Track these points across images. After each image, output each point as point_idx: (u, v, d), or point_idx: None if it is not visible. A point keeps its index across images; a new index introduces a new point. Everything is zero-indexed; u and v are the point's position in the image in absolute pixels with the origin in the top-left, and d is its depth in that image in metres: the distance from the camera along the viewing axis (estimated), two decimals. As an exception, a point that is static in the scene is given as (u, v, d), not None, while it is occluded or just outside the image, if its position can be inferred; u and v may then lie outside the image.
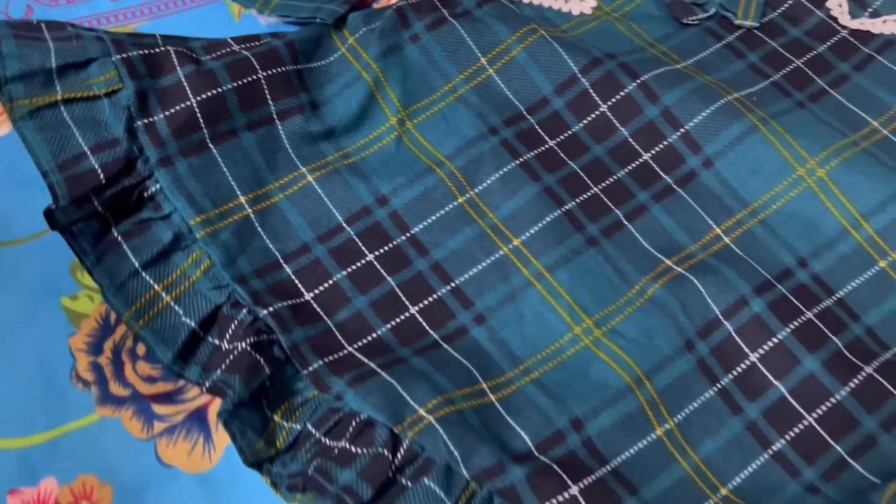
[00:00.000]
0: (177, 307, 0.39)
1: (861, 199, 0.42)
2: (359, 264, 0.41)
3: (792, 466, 0.36)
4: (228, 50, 0.44)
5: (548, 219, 0.42)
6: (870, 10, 0.49)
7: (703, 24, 0.49)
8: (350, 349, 0.38)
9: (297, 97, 0.45)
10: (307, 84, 0.45)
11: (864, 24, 0.48)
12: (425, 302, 0.40)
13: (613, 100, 0.45)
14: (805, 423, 0.37)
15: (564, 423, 0.37)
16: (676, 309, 0.40)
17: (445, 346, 0.39)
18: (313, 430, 0.36)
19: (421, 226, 0.42)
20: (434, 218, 0.43)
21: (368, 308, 0.40)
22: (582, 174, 0.44)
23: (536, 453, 0.36)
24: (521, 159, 0.44)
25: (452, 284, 0.41)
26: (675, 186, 0.44)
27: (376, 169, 0.44)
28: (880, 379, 0.37)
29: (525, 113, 0.46)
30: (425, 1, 0.48)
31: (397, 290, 0.41)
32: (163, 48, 0.43)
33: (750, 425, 0.37)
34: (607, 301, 0.40)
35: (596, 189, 0.43)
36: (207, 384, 0.36)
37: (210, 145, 0.42)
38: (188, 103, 0.42)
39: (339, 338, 0.39)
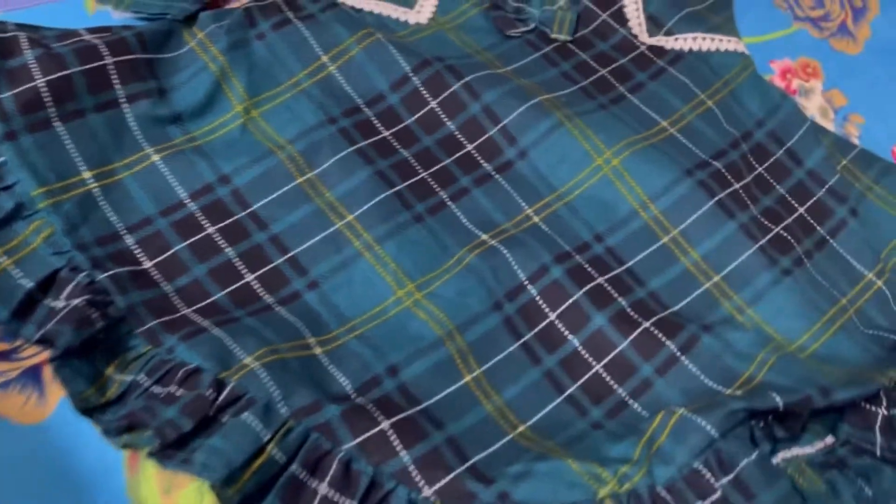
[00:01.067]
0: (16, 270, 0.40)
1: (649, 184, 0.49)
2: (199, 236, 0.44)
3: (581, 407, 0.42)
4: (79, 38, 0.47)
5: (379, 197, 0.46)
6: (664, 29, 0.57)
7: (524, 36, 0.56)
8: (185, 312, 0.41)
9: (146, 83, 0.48)
10: (156, 72, 0.49)
11: (660, 40, 0.56)
12: (262, 270, 0.44)
13: (441, 97, 0.51)
14: (594, 370, 0.43)
15: (381, 370, 0.41)
16: (488, 274, 0.45)
17: (278, 308, 0.43)
18: (143, 381, 0.38)
19: (261, 202, 0.46)
20: (274, 196, 0.46)
21: (206, 276, 0.43)
22: (412, 161, 0.49)
23: (354, 396, 0.39)
24: (357, 146, 0.48)
25: (289, 255, 0.45)
26: (493, 173, 0.49)
27: (220, 151, 0.47)
28: (656, 331, 0.44)
29: (363, 106, 0.51)
30: (272, 4, 0.52)
31: (236, 259, 0.44)
32: (13, 33, 0.45)
33: (547, 373, 0.43)
34: (429, 269, 0.45)
35: (424, 174, 0.48)
36: (38, 335, 0.38)
37: (56, 123, 0.44)
38: (35, 83, 0.44)
39: (176, 301, 0.42)
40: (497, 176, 0.49)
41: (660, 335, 0.43)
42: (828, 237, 0.50)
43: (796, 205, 0.51)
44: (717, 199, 0.48)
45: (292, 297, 0.43)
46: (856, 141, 0.57)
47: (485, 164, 0.49)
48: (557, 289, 0.44)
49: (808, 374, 0.42)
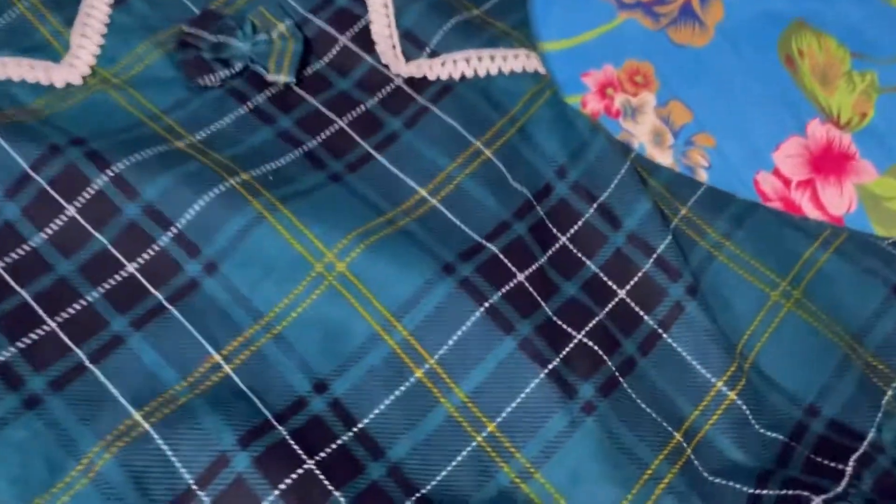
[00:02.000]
0: None
1: (390, 294, 0.34)
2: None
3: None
4: None
5: None
6: (428, 49, 0.41)
7: (228, 84, 0.40)
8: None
9: None
10: None
11: (421, 66, 0.40)
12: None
13: (80, 200, 0.35)
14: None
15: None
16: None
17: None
18: None
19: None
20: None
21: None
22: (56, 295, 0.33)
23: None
24: None
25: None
26: (169, 306, 0.34)
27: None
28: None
29: None
30: None
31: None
32: None
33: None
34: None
35: (55, 324, 0.33)
36: None
37: None
38: None
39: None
40: (172, 309, 0.34)
41: None
42: (659, 330, 0.36)
43: (614, 287, 0.37)
44: (487, 304, 0.34)
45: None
46: (702, 176, 0.42)
47: (154, 292, 0.34)
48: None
49: None
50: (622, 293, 0.36)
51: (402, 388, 0.33)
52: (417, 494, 0.31)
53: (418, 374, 0.33)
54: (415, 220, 0.36)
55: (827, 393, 0.35)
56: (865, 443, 0.34)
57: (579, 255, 0.37)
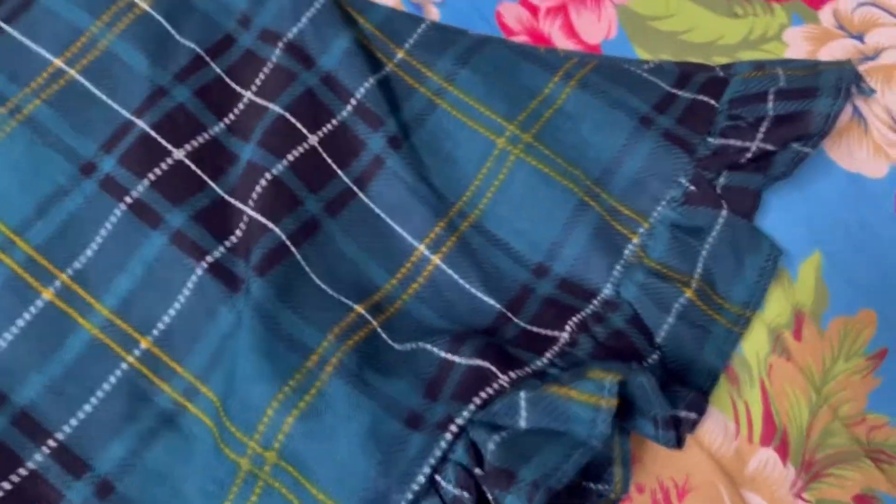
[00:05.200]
0: None
1: (9, 210, 0.28)
2: None
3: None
4: None
5: None
6: None
7: None
8: None
9: None
10: None
11: None
12: None
13: None
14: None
15: None
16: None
17: None
18: None
19: None
20: None
21: None
22: None
23: None
24: None
25: None
26: None
27: None
28: None
29: None
30: None
31: None
32: None
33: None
34: None
35: None
36: None
37: None
38: None
39: None
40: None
41: None
42: (354, 188, 0.30)
43: (304, 130, 0.30)
44: (129, 198, 0.28)
45: None
46: (433, 12, 0.35)
47: None
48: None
49: None
50: (313, 140, 0.30)
51: (27, 317, 0.27)
52: (51, 442, 0.25)
53: (47, 295, 0.27)
54: (45, 102, 0.29)
55: (558, 248, 0.30)
56: (596, 301, 0.28)
57: (262, 101, 0.31)
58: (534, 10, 0.35)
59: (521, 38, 0.35)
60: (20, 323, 0.27)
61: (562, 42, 0.35)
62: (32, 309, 0.27)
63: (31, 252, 0.27)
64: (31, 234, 0.28)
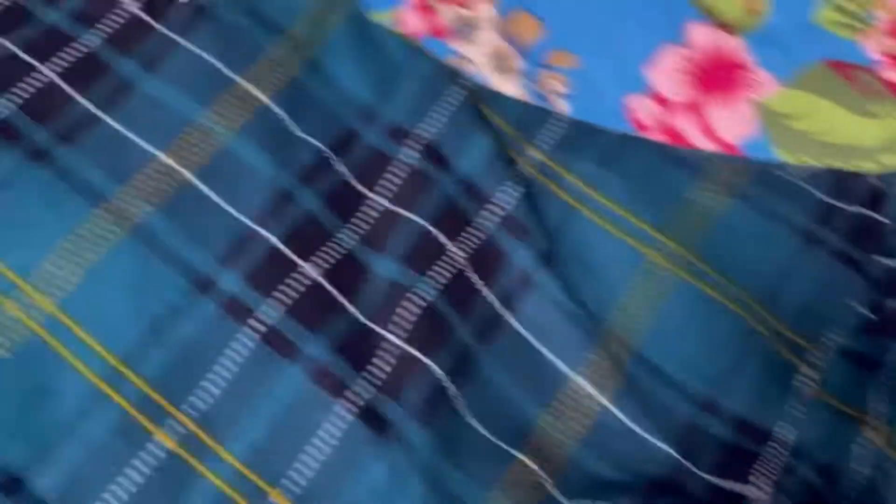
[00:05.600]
0: None
1: (109, 332, 0.23)
2: None
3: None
4: None
5: None
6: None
7: None
8: None
9: None
10: None
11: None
12: None
13: None
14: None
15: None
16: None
17: None
18: None
19: None
20: None
21: None
22: None
23: None
24: None
25: None
26: None
27: None
28: None
29: None
30: None
31: None
32: None
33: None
34: None
35: None
36: None
37: None
38: None
39: None
40: None
41: None
42: (503, 310, 0.27)
43: (448, 243, 0.27)
44: (257, 323, 0.24)
45: None
46: (560, 105, 0.32)
47: None
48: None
49: None
50: (459, 256, 0.26)
51: (145, 469, 0.23)
52: None
53: (166, 441, 0.23)
54: (154, 206, 0.25)
55: (727, 381, 0.26)
56: (775, 445, 0.25)
57: (399, 209, 0.27)
58: (663, 102, 0.33)
59: (656, 135, 0.32)
60: (136, 477, 0.22)
61: (698, 140, 0.32)
62: (151, 459, 0.23)
63: (144, 387, 0.24)
64: (144, 366, 0.24)
